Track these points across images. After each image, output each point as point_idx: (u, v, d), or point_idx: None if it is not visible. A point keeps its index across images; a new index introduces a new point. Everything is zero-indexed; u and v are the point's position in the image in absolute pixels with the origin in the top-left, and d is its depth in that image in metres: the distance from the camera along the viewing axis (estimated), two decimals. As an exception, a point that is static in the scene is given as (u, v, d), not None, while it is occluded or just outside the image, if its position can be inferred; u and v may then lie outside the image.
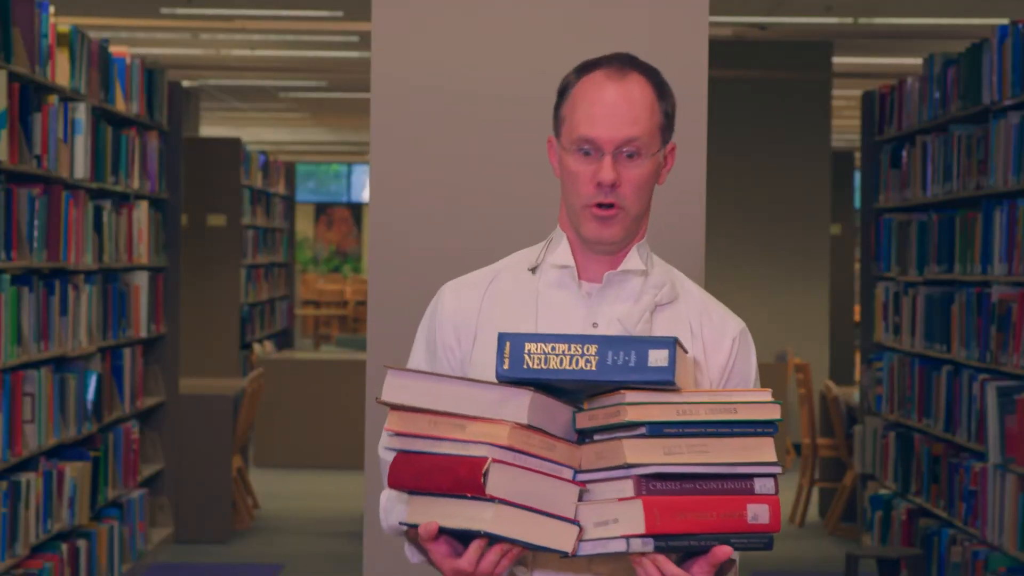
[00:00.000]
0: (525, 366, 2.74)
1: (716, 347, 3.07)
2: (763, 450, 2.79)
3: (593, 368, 2.72)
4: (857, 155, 13.61)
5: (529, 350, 2.75)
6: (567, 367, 2.72)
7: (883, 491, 9.77)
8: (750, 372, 3.11)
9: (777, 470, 2.87)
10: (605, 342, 2.75)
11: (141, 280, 9.38)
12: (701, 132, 4.95)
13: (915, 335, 9.20)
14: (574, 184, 3.02)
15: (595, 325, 3.02)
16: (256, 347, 15.41)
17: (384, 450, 3.10)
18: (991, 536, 7.66)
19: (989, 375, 7.83)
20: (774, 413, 2.80)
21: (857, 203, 13.89)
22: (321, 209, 28.89)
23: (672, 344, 2.73)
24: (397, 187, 5.05)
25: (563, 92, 3.11)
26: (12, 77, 6.97)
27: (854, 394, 11.42)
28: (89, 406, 8.25)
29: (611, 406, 2.75)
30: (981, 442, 7.83)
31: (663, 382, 2.70)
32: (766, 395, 2.85)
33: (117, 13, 14.11)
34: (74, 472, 7.94)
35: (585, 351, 2.73)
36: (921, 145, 9.29)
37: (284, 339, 19.76)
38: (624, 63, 3.06)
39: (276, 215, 19.80)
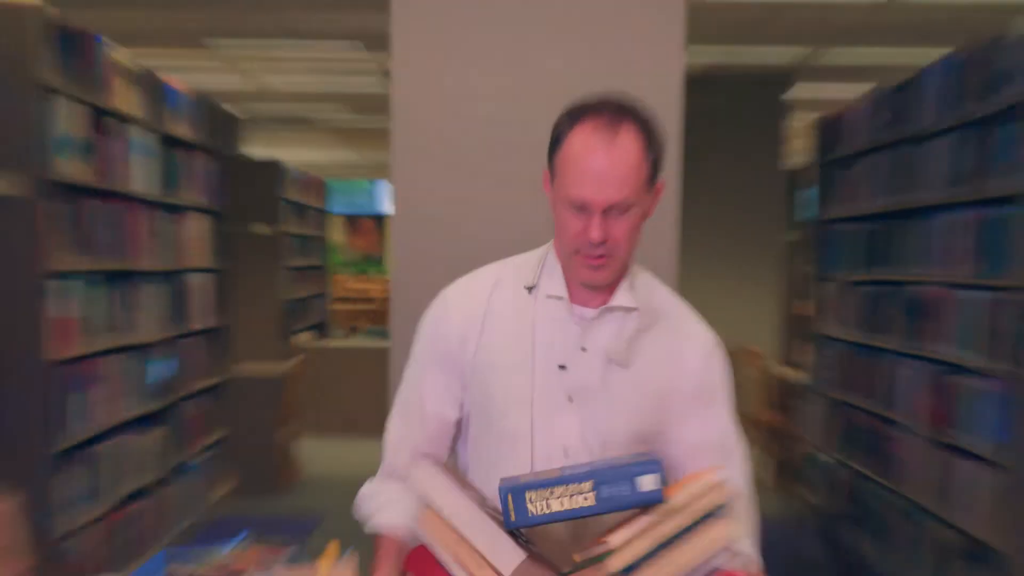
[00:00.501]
0: (530, 514, 2.61)
1: (688, 367, 3.01)
2: (721, 531, 2.63)
3: (592, 503, 2.59)
4: (809, 173, 13.76)
5: (531, 498, 2.61)
6: (568, 507, 2.59)
7: (825, 458, 9.82)
8: (720, 384, 3.06)
9: (736, 543, 2.74)
10: (598, 476, 2.59)
11: (200, 280, 9.49)
12: (676, 164, 4.99)
13: (856, 327, 9.28)
14: (565, 233, 2.90)
15: (584, 349, 2.95)
16: (298, 337, 15.48)
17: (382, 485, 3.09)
18: (912, 493, 7.79)
19: (916, 360, 7.93)
20: (722, 496, 2.64)
21: (809, 214, 13.96)
22: (350, 219, 28.91)
23: (659, 466, 2.59)
24: (414, 201, 5.14)
25: (556, 140, 2.91)
26: (90, 109, 7.09)
27: (803, 376, 11.48)
28: (162, 385, 8.41)
29: (596, 561, 2.62)
30: (907, 417, 7.94)
31: (655, 502, 2.60)
32: (712, 478, 2.67)
33: (172, 45, 14.19)
34: (152, 439, 8.12)
35: (582, 488, 2.59)
36: (864, 164, 9.36)
37: (321, 330, 19.80)
38: (615, 112, 2.86)
39: (311, 224, 19.86)
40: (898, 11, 12.08)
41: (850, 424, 9.34)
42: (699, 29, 11.58)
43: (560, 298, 2.96)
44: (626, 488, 2.57)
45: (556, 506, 2.58)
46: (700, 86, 12.35)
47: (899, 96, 8.62)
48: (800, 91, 14.82)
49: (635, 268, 3.01)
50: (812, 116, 12.18)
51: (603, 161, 2.80)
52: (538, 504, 2.59)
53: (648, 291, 3.03)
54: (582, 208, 2.83)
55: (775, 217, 13.61)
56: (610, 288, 2.97)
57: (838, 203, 10.04)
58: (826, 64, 14.58)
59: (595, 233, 2.81)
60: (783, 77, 14.23)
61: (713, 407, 3.02)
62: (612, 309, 2.95)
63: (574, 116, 2.88)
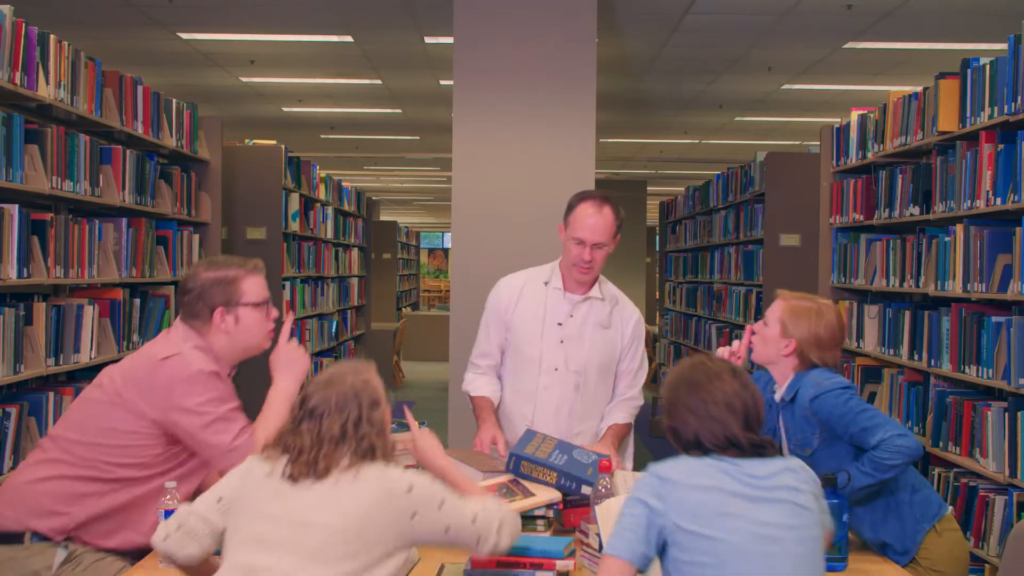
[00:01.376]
0: (520, 472, 2.42)
1: (626, 327, 2.89)
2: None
3: (553, 483, 2.40)
4: (657, 228, 13.79)
5: (523, 464, 2.41)
6: (539, 478, 2.40)
7: (667, 369, 9.76)
8: (641, 336, 2.91)
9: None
10: (560, 473, 2.41)
11: (354, 280, 9.40)
12: None
13: (681, 304, 9.24)
14: (570, 255, 2.81)
15: (571, 316, 2.85)
16: (403, 309, 15.51)
17: (465, 385, 2.94)
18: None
19: (713, 322, 7.84)
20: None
21: (657, 247, 13.98)
22: (431, 250, 28.85)
23: (595, 482, 2.30)
24: (464, 242, 5.03)
25: (570, 208, 2.82)
26: (302, 198, 7.06)
27: (657, 329, 11.49)
28: (334, 333, 8.27)
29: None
30: (710, 348, 7.88)
31: (585, 494, 2.38)
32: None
33: (346, 168, 14.22)
34: (328, 361, 7.91)
35: (551, 474, 2.40)
36: (683, 224, 9.33)
37: (415, 306, 19.82)
38: (601, 199, 2.81)
39: (411, 253, 19.91)
40: (701, 150, 12.17)
41: (680, 354, 9.28)
42: (603, 155, 11.68)
43: (560, 289, 2.87)
44: (574, 485, 2.39)
45: (535, 474, 2.40)
46: (605, 185, 12.43)
47: (700, 191, 8.61)
48: (651, 188, 14.92)
49: (601, 277, 2.92)
50: (657, 200, 12.32)
51: (593, 220, 2.77)
52: (526, 468, 2.41)
53: (608, 288, 2.92)
54: (581, 243, 2.78)
55: (643, 249, 13.69)
56: (586, 287, 2.88)
57: (672, 243, 10.02)
58: (663, 175, 14.68)
59: (586, 255, 2.78)
60: (644, 181, 14.30)
61: (637, 348, 2.92)
62: (588, 298, 2.87)
63: (581, 196, 2.83)
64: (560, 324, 2.84)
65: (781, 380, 2.48)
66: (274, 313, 2.42)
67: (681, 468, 1.84)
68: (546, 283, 2.88)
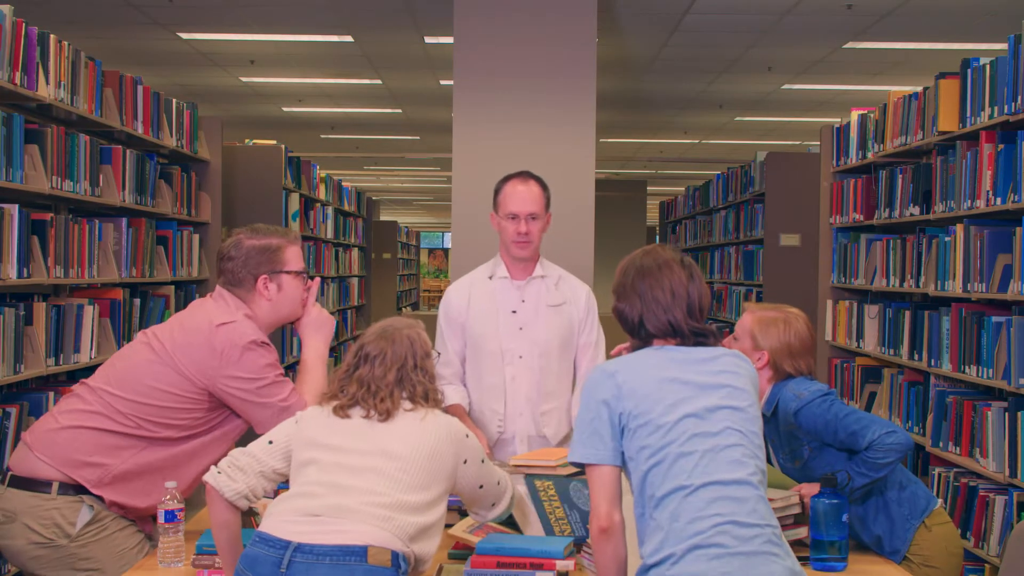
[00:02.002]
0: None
1: (578, 301, 2.92)
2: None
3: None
4: (657, 228, 13.75)
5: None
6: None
7: None
8: (593, 309, 2.93)
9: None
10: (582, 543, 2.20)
11: (355, 280, 9.41)
12: (590, 220, 4.94)
13: None
14: (507, 232, 2.84)
15: (524, 301, 2.87)
16: (404, 310, 15.49)
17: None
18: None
19: (714, 322, 7.87)
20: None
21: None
22: (431, 250, 28.84)
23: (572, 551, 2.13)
24: (464, 242, 5.05)
25: (498, 191, 2.88)
26: (302, 198, 7.05)
27: None
28: (334, 333, 8.28)
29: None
30: None
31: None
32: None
33: (347, 168, 14.20)
34: (329, 361, 7.96)
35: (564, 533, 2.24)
36: (683, 225, 9.36)
37: (415, 306, 19.77)
38: (525, 175, 2.87)
39: (412, 253, 19.89)
40: (700, 150, 12.17)
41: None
42: (603, 155, 11.68)
43: (505, 277, 2.89)
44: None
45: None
46: (605, 185, 12.44)
47: (700, 191, 8.61)
48: (651, 188, 14.92)
49: (541, 258, 2.92)
50: (657, 200, 12.31)
51: (523, 192, 2.82)
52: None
53: (550, 268, 2.93)
54: (515, 217, 2.81)
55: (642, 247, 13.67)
56: (529, 269, 2.88)
57: (672, 243, 10.03)
58: (663, 175, 14.67)
59: (522, 227, 2.81)
60: (644, 181, 14.28)
61: (592, 320, 2.93)
62: (532, 278, 2.88)
63: (506, 178, 2.88)
64: (515, 312, 2.87)
65: (759, 395, 2.46)
66: (310, 283, 2.49)
67: (628, 360, 1.94)
68: (491, 277, 2.90)
